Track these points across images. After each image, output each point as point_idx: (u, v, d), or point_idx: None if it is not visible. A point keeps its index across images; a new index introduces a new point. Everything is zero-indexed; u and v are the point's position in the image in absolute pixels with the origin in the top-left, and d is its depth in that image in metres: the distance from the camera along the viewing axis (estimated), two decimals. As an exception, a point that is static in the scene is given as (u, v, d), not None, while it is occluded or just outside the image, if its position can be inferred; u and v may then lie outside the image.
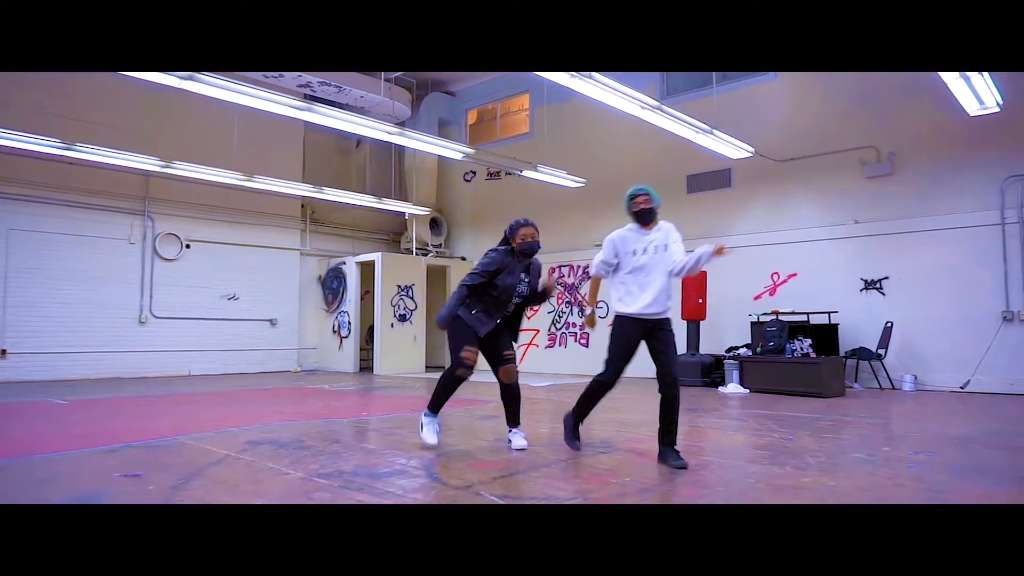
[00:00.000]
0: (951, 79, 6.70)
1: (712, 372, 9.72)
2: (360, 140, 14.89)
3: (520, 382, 4.50)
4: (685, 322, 10.16)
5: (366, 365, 13.45)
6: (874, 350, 9.09)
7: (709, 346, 10.46)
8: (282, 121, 12.99)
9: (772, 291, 10.49)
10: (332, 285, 13.90)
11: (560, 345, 13.14)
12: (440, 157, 14.89)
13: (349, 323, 13.39)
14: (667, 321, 4.01)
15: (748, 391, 8.74)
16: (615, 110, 7.35)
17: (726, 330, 10.69)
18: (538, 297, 4.49)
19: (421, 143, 9.02)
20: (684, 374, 9.83)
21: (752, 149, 9.27)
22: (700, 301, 10.12)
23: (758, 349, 9.04)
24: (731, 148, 9.18)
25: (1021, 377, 8.29)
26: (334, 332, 13.76)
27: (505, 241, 4.40)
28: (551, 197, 12.59)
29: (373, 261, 13.17)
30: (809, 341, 8.44)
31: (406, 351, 13.21)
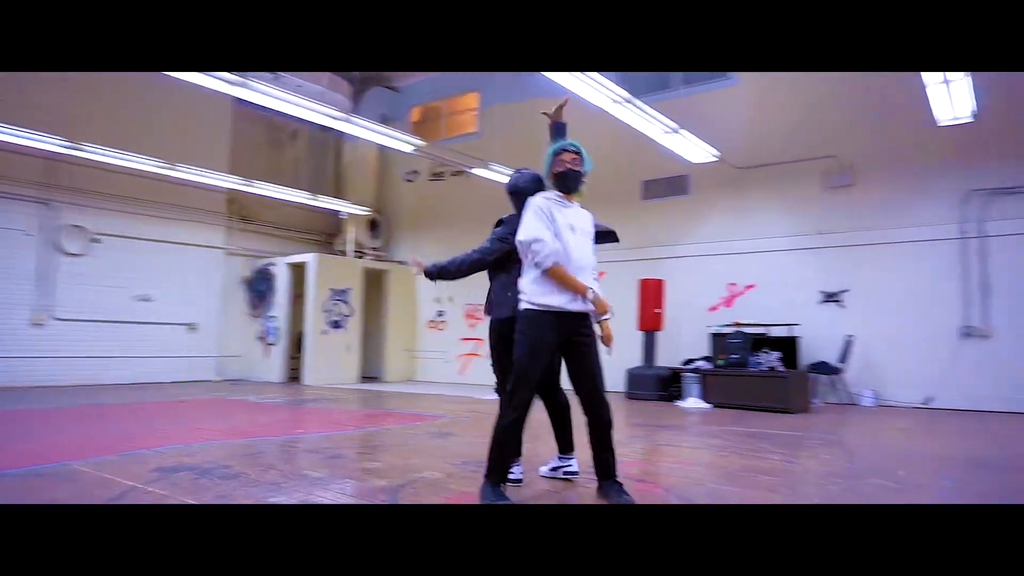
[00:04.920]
0: (933, 83, 6.47)
1: (670, 386, 9.26)
2: (295, 132, 13.88)
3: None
4: (642, 333, 9.68)
5: (295, 375, 12.40)
6: (834, 364, 8.83)
7: (664, 358, 10.01)
8: (206, 106, 11.96)
9: (728, 302, 10.14)
10: (259, 288, 12.80)
11: (505, 356, 12.45)
12: (381, 154, 14.06)
13: (277, 329, 12.33)
14: (589, 317, 3.12)
15: (710, 406, 8.30)
16: (573, 112, 6.79)
17: (681, 342, 10.27)
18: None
19: (371, 133, 8.24)
20: (642, 387, 9.35)
21: (718, 153, 8.90)
22: (657, 311, 9.66)
23: (720, 362, 8.63)
24: (696, 151, 8.79)
25: (982, 393, 8.15)
26: (259, 339, 12.66)
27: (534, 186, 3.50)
28: (498, 200, 11.93)
29: (305, 263, 12.19)
30: (778, 354, 8.06)
31: (339, 360, 12.25)
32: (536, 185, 3.50)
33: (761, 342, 8.65)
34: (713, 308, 10.22)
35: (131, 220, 11.20)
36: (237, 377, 12.57)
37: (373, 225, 13.90)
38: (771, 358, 8.05)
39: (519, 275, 3.23)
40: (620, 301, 10.86)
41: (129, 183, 10.89)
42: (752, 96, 10.14)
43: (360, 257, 13.38)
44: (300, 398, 8.98)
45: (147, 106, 11.05)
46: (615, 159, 10.97)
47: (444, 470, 3.83)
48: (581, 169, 3.15)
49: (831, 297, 9.31)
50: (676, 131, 7.98)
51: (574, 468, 3.64)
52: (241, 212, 12.88)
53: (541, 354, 3.02)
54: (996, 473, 4.06)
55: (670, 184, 10.77)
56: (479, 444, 4.98)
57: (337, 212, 13.48)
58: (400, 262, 13.82)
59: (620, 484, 3.12)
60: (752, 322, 9.17)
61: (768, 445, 5.03)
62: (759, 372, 8.05)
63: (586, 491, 3.34)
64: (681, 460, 4.50)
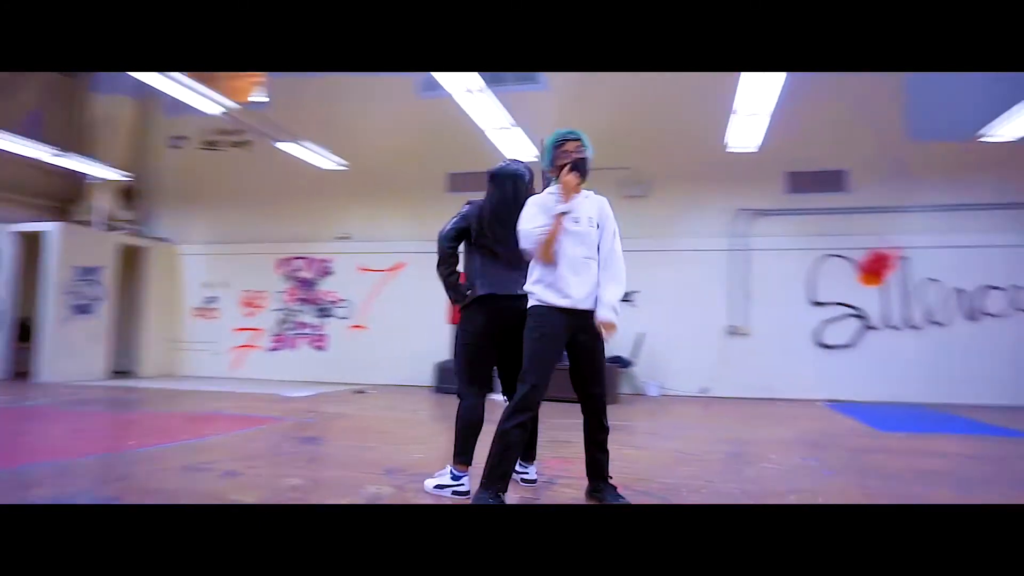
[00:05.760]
0: (743, 111, 7.36)
1: (481, 379, 9.35)
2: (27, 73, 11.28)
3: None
4: (452, 327, 9.63)
5: (22, 370, 10.09)
6: (627, 358, 9.67)
7: (471, 352, 10.10)
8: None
9: (530, 298, 10.54)
10: (-32, 261, 10.20)
11: (289, 347, 11.52)
12: (139, 112, 12.09)
13: (-4, 313, 9.95)
14: (593, 314, 3.05)
15: (528, 399, 8.55)
16: (373, 93, 6.56)
17: (485, 336, 10.43)
18: None
19: (180, 87, 7.02)
20: (449, 381, 9.31)
21: (538, 153, 9.19)
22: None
23: (536, 356, 8.93)
24: (516, 148, 8.98)
25: (744, 383, 9.53)
26: (-33, 325, 10.10)
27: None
28: (288, 176, 11.05)
29: (42, 233, 10.00)
30: (596, 349, 8.57)
31: (83, 353, 10.26)
32: (514, 175, 3.52)
33: (571, 337, 9.13)
34: (515, 303, 10.53)
35: None
36: (-68, 373, 9.88)
37: (127, 194, 11.88)
38: (587, 353, 8.54)
39: (478, 263, 3.37)
40: (429, 294, 10.73)
41: None
42: (558, 102, 10.64)
43: (111, 230, 11.35)
44: (64, 400, 7.31)
45: None
46: (421, 149, 10.77)
47: (381, 482, 3.44)
48: (586, 155, 3.12)
49: (624, 297, 10.15)
50: (513, 126, 8.10)
51: (531, 476, 3.53)
52: (-56, 164, 10.13)
53: (551, 351, 2.97)
54: (835, 451, 4.80)
55: (477, 179, 10.81)
56: (368, 448, 4.56)
57: (84, 175, 11.26)
58: (162, 239, 12.03)
59: (614, 486, 3.11)
60: (558, 318, 9.66)
61: (637, 437, 5.34)
62: (575, 366, 8.49)
63: (566, 493, 3.25)
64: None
